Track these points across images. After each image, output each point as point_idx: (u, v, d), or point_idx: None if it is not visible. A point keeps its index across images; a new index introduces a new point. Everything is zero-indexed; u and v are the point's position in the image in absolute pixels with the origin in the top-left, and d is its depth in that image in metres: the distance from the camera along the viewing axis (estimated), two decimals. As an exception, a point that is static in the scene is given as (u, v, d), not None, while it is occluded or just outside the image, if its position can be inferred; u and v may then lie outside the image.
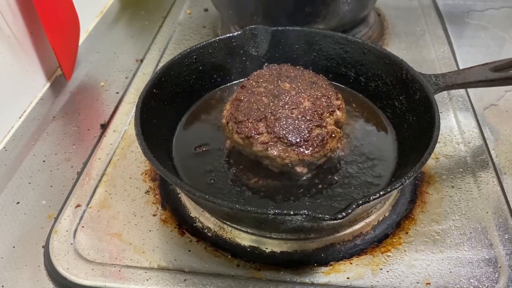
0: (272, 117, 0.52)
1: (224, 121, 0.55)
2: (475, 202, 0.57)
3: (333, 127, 0.54)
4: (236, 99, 0.55)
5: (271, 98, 0.54)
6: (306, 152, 0.51)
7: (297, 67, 0.60)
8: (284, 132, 0.51)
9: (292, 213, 0.43)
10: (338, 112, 0.55)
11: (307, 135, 0.52)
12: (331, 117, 0.54)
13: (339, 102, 0.56)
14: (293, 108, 0.53)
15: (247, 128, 0.52)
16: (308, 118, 0.52)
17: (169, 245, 0.53)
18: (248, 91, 0.56)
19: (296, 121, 0.52)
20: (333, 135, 0.53)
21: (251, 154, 0.53)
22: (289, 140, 0.51)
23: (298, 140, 0.51)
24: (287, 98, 0.54)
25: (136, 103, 0.56)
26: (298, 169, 0.53)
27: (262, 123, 0.52)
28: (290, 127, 0.52)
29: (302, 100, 0.54)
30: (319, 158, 0.53)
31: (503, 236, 0.53)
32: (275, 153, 0.51)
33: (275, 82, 0.56)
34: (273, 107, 0.53)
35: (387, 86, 0.63)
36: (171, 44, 0.88)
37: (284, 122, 0.52)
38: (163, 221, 0.56)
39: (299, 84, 0.56)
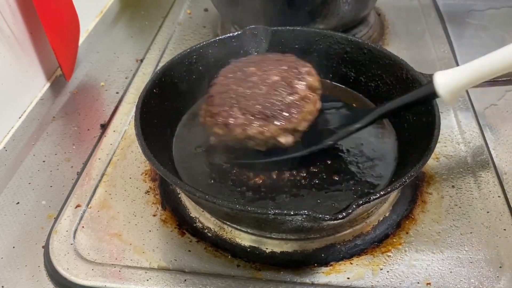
0: (243, 99, 0.53)
1: (201, 119, 0.56)
2: (476, 202, 0.57)
3: (306, 92, 0.54)
4: (209, 97, 0.56)
5: (239, 83, 0.55)
6: (283, 120, 0.51)
7: (265, 53, 0.61)
8: (257, 108, 0.52)
9: (292, 213, 0.43)
10: (308, 78, 0.55)
11: (281, 104, 0.52)
12: (301, 83, 0.54)
13: (307, 69, 0.56)
14: (261, 85, 0.54)
15: (222, 117, 0.53)
16: (278, 89, 0.53)
17: (169, 245, 0.53)
18: (217, 86, 0.56)
19: (267, 95, 0.53)
20: (307, 99, 0.53)
21: (235, 141, 0.53)
22: (264, 114, 0.51)
23: (273, 111, 0.52)
24: (254, 79, 0.55)
25: (136, 103, 0.56)
26: (282, 139, 0.52)
27: (235, 108, 0.53)
28: (262, 103, 0.52)
29: (270, 76, 0.55)
30: (299, 123, 0.52)
31: (504, 236, 0.53)
32: (254, 130, 0.51)
33: (241, 70, 0.57)
34: (242, 91, 0.54)
35: (387, 86, 0.63)
36: (171, 44, 0.88)
37: (255, 100, 0.52)
38: (163, 221, 0.56)
39: (263, 64, 0.57)
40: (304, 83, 0.54)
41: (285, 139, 0.52)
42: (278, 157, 0.55)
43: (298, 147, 0.54)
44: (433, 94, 0.49)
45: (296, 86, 0.54)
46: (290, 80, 0.54)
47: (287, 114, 0.52)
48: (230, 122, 0.52)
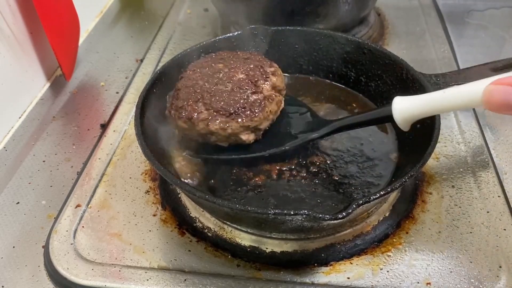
0: (208, 95, 0.54)
1: (167, 112, 0.57)
2: (476, 202, 0.57)
3: (270, 92, 0.56)
4: (175, 90, 0.57)
5: (206, 79, 0.56)
6: (246, 118, 0.53)
7: (235, 51, 0.62)
8: (221, 105, 0.53)
9: (292, 213, 0.43)
10: (273, 78, 0.56)
11: (244, 102, 0.53)
12: (266, 83, 0.56)
13: (273, 69, 0.58)
14: (227, 82, 0.55)
15: (186, 111, 0.53)
16: (243, 87, 0.54)
17: (169, 245, 0.53)
18: (185, 79, 0.57)
19: (232, 93, 0.54)
20: (271, 99, 0.55)
21: (198, 135, 0.55)
22: (227, 110, 0.53)
23: (236, 109, 0.53)
24: (221, 75, 0.56)
25: (136, 103, 0.56)
26: (243, 136, 0.54)
27: (200, 103, 0.53)
28: (227, 99, 0.53)
29: (236, 74, 0.56)
30: (260, 121, 0.54)
31: (504, 236, 0.53)
32: (216, 126, 0.52)
33: (209, 65, 0.58)
34: (208, 86, 0.55)
35: (387, 86, 0.63)
36: (171, 44, 0.88)
37: (220, 96, 0.54)
38: (163, 221, 0.56)
39: (231, 62, 0.58)
40: (268, 82, 0.56)
41: (246, 137, 0.54)
42: (238, 154, 0.56)
43: (259, 147, 0.56)
44: (389, 117, 0.50)
45: (261, 85, 0.55)
46: (255, 79, 0.55)
47: (249, 113, 0.53)
48: (194, 116, 0.53)
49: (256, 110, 0.53)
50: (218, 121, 0.53)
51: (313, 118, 0.60)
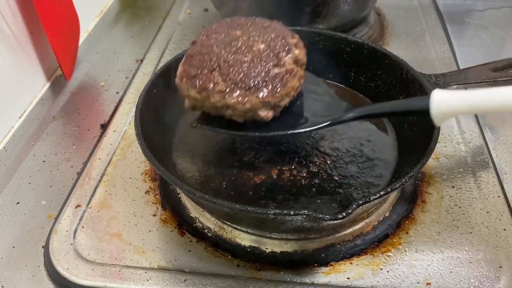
0: (226, 65, 0.49)
1: (177, 80, 0.52)
2: (475, 202, 0.57)
3: (292, 65, 0.51)
4: (188, 56, 0.52)
5: (223, 47, 0.51)
6: (267, 93, 0.49)
7: (251, 17, 0.57)
8: (240, 76, 0.49)
9: (292, 213, 0.43)
10: (295, 50, 0.52)
11: (265, 76, 0.49)
12: (288, 56, 0.51)
13: (295, 40, 0.53)
14: (246, 52, 0.50)
15: (201, 80, 0.49)
16: (264, 59, 0.50)
17: (169, 245, 0.53)
18: (198, 45, 0.52)
19: (252, 64, 0.49)
20: (293, 74, 0.50)
21: (211, 108, 0.50)
22: (247, 83, 0.48)
23: (256, 82, 0.49)
24: (239, 44, 0.51)
25: (136, 103, 0.56)
26: (262, 113, 0.50)
27: (216, 73, 0.49)
28: (246, 71, 0.49)
29: (256, 43, 0.51)
30: (281, 98, 0.50)
31: (504, 236, 0.53)
32: (234, 99, 0.48)
33: (225, 32, 0.53)
34: (225, 55, 0.50)
35: (387, 86, 0.63)
36: (171, 44, 0.88)
37: (239, 67, 0.49)
38: (163, 221, 0.56)
39: (250, 29, 0.53)
40: (290, 55, 0.51)
41: (265, 113, 0.50)
42: (249, 132, 0.52)
43: (275, 125, 0.52)
44: (425, 110, 0.46)
45: (283, 58, 0.50)
46: (277, 50, 0.51)
47: (271, 87, 0.49)
48: (209, 87, 0.49)
49: (278, 85, 0.49)
50: (236, 94, 0.48)
51: (334, 100, 0.55)
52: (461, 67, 0.78)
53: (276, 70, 0.50)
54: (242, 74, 0.49)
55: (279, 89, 0.49)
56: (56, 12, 0.74)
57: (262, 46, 0.51)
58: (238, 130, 0.52)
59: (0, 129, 0.68)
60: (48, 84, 0.79)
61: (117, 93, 0.77)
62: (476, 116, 0.69)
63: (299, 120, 0.53)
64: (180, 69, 0.52)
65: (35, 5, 0.68)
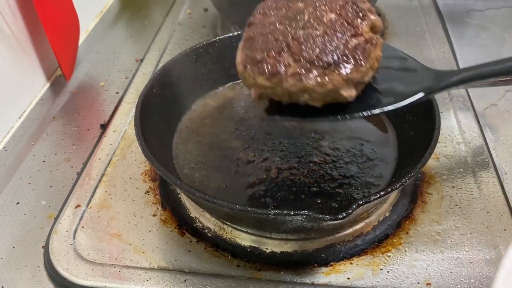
0: (296, 42, 0.42)
1: (240, 68, 0.45)
2: (476, 202, 0.57)
3: (370, 33, 0.44)
4: (247, 39, 0.45)
5: (287, 22, 0.44)
6: (350, 68, 0.41)
7: None
8: (315, 53, 0.41)
9: (292, 213, 0.43)
10: (371, 16, 0.44)
11: (344, 48, 0.41)
12: (364, 23, 0.43)
13: (368, 5, 0.46)
14: (317, 25, 0.43)
15: (270, 64, 0.42)
16: (338, 30, 0.42)
17: (169, 245, 0.53)
18: (257, 26, 0.45)
19: (326, 37, 0.42)
20: (374, 42, 0.43)
21: (284, 94, 0.43)
22: (325, 60, 0.41)
23: (335, 57, 0.41)
24: (306, 17, 0.44)
25: (136, 103, 0.56)
26: (345, 92, 0.42)
27: (286, 53, 0.42)
28: (321, 46, 0.41)
29: (324, 14, 0.44)
30: (366, 72, 0.42)
31: (504, 236, 0.53)
32: (312, 81, 0.41)
33: (285, 6, 0.46)
34: (293, 32, 0.43)
35: (388, 86, 0.63)
36: (171, 44, 0.88)
37: (312, 43, 0.42)
38: (163, 222, 0.56)
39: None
40: (366, 22, 0.44)
41: (348, 93, 0.42)
42: (328, 117, 0.45)
43: (353, 106, 0.44)
44: None
45: (359, 26, 0.43)
46: (350, 18, 0.43)
47: (353, 61, 0.41)
48: (281, 71, 0.42)
49: (361, 58, 0.41)
50: (314, 75, 0.41)
51: (418, 69, 0.48)
52: (461, 67, 0.78)
53: (354, 41, 0.42)
54: (317, 51, 0.41)
55: (363, 62, 0.42)
56: (56, 12, 0.74)
57: (332, 16, 0.43)
58: (314, 116, 0.45)
59: (0, 129, 0.68)
60: (48, 84, 0.79)
61: (117, 93, 0.77)
62: (476, 116, 0.69)
63: (381, 96, 0.45)
64: (240, 55, 0.46)
65: (35, 5, 0.68)
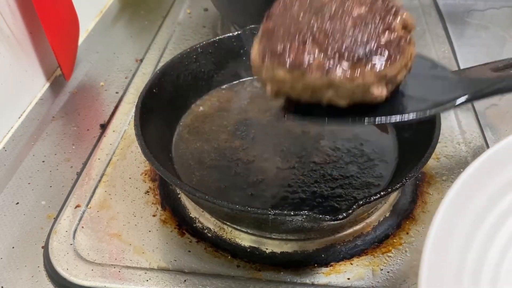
0: (322, 34, 0.38)
1: (256, 61, 0.41)
2: (476, 202, 0.57)
3: (402, 31, 0.40)
4: (265, 31, 0.41)
5: (312, 14, 0.40)
6: (383, 63, 0.37)
7: None
8: (344, 45, 0.37)
9: (292, 213, 0.43)
10: (403, 13, 0.41)
11: (377, 42, 0.38)
12: (396, 20, 0.40)
13: (398, 3, 0.42)
14: (346, 17, 0.39)
15: (292, 55, 0.38)
16: (369, 23, 0.39)
17: (169, 245, 0.53)
18: (277, 17, 0.41)
19: (356, 30, 0.38)
20: (408, 39, 0.40)
21: (306, 90, 0.39)
22: (355, 53, 0.37)
23: (367, 50, 0.37)
24: (332, 9, 0.40)
25: (136, 103, 0.56)
26: (376, 90, 0.38)
27: (310, 44, 0.38)
28: (351, 38, 0.38)
29: (353, 7, 0.40)
30: (400, 69, 0.39)
31: (504, 237, 0.53)
32: (340, 74, 0.37)
33: None
34: (318, 23, 0.39)
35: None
36: (171, 44, 0.88)
37: (340, 35, 0.38)
38: (163, 222, 0.56)
39: None
40: (399, 19, 0.40)
41: (379, 91, 0.38)
42: (355, 118, 0.41)
43: (380, 110, 0.40)
44: None
45: (391, 22, 0.39)
46: (381, 14, 0.40)
47: (387, 55, 0.37)
48: (305, 61, 0.37)
49: (396, 53, 0.38)
50: (342, 68, 0.37)
51: (452, 76, 0.45)
52: (461, 67, 0.78)
53: (387, 36, 0.38)
54: (346, 42, 0.37)
55: (398, 56, 0.38)
56: (56, 12, 0.74)
57: (362, 9, 0.40)
58: (336, 118, 0.41)
59: (0, 129, 0.68)
60: (47, 84, 0.79)
61: (116, 93, 0.76)
62: (476, 116, 0.69)
63: (412, 101, 0.42)
64: (257, 48, 0.42)
65: (34, 5, 0.68)
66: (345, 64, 0.37)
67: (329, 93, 0.38)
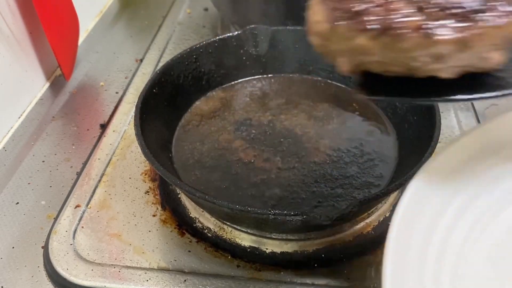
0: None
1: (323, 27, 0.32)
2: (476, 202, 0.57)
3: None
4: None
5: None
6: (505, 18, 0.28)
7: None
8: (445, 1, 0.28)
9: (292, 213, 0.43)
10: None
11: None
12: None
13: None
14: None
15: (377, 15, 0.29)
16: None
17: (169, 245, 0.53)
18: None
19: None
20: None
21: (398, 60, 0.30)
22: (466, 7, 0.28)
23: (479, 4, 0.28)
24: None
25: (136, 103, 0.56)
26: (494, 55, 0.30)
27: (398, 1, 0.29)
28: None
29: None
30: None
31: (504, 237, 0.53)
32: (451, 35, 0.28)
33: None
34: None
35: (388, 86, 0.63)
36: (171, 44, 0.88)
37: None
38: (163, 222, 0.56)
39: None
40: None
41: (497, 57, 0.30)
42: (446, 95, 0.32)
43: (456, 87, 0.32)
44: None
45: None
46: None
47: (507, 10, 0.28)
48: (396, 23, 0.28)
49: None
50: (452, 29, 0.28)
51: None
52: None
53: None
54: None
55: None
56: (56, 12, 0.74)
57: None
58: (426, 95, 0.33)
59: (0, 129, 0.68)
60: (47, 84, 0.78)
61: (116, 93, 0.76)
62: (476, 116, 0.69)
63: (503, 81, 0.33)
64: (319, 10, 0.33)
65: (34, 5, 0.68)
66: (455, 23, 0.28)
67: (435, 65, 0.30)
